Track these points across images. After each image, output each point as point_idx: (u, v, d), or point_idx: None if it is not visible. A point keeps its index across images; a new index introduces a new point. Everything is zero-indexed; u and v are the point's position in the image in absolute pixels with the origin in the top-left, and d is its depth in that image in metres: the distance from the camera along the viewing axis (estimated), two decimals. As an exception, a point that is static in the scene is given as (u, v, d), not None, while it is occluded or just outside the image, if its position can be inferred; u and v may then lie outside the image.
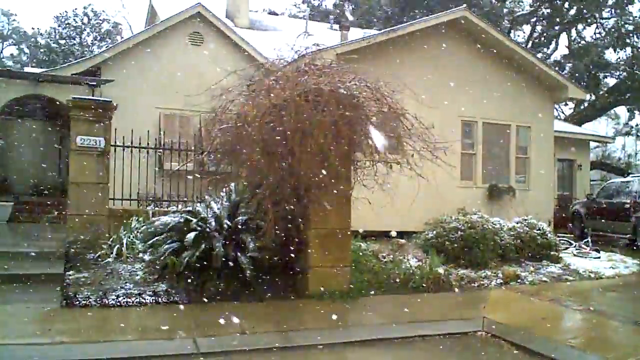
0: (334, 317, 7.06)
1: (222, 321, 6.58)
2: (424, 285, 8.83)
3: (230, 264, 7.54)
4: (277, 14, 36.17)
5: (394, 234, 11.51)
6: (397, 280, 8.94)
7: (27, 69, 21.91)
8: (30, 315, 6.69)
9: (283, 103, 7.28)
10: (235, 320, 6.59)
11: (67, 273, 7.86)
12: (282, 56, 8.48)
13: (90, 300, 6.96)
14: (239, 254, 7.62)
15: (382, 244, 11.07)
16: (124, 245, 8.92)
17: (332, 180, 7.71)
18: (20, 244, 10.12)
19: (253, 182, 8.40)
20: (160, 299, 7.27)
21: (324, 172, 7.48)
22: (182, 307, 7.18)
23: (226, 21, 18.00)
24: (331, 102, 7.23)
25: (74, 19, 39.86)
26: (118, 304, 7.02)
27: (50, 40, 39.50)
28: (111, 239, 9.13)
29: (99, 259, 8.64)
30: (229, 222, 8.09)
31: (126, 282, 7.73)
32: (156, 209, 10.54)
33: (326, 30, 23.55)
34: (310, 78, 7.56)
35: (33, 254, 8.93)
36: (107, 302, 6.99)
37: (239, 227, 8.08)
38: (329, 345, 6.24)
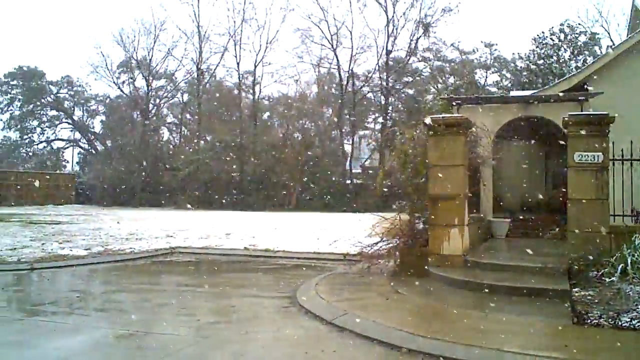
0: None
1: None
2: None
3: None
4: None
5: None
6: None
7: (512, 93, 23.29)
8: (542, 329, 6.94)
9: None
10: None
11: (573, 290, 7.86)
12: None
13: (601, 320, 6.77)
14: None
15: None
16: (629, 264, 8.42)
17: None
18: (521, 258, 10.65)
19: None
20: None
21: None
22: None
23: None
24: None
25: (551, 38, 40.64)
26: (632, 327, 6.59)
27: (529, 62, 41.18)
28: (614, 257, 8.72)
29: (602, 277, 8.37)
30: None
31: (637, 304, 7.23)
32: (662, 226, 9.57)
33: None
34: None
35: (535, 268, 9.40)
36: (619, 323, 6.66)
37: None
38: None
